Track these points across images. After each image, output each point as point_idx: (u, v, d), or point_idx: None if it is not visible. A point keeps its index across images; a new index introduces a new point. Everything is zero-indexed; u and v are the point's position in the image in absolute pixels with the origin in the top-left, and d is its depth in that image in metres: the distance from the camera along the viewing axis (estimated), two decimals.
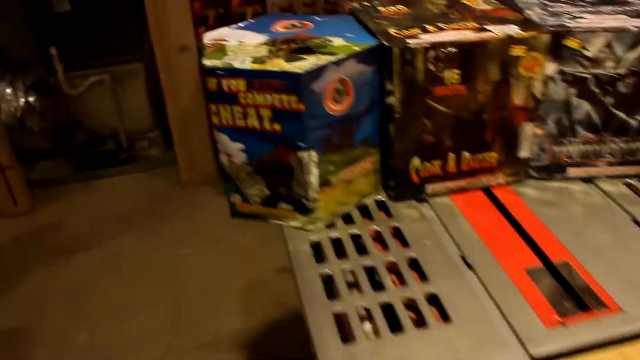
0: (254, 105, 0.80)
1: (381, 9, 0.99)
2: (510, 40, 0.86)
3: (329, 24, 0.93)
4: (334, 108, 0.81)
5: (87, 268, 2.29)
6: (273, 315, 2.09)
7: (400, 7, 1.00)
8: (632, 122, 0.96)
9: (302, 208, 0.87)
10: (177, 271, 2.27)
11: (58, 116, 2.83)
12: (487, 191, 0.99)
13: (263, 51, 0.83)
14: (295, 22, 0.94)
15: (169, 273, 2.26)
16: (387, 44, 0.83)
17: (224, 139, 0.84)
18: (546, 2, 1.01)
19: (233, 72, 0.78)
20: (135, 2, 2.61)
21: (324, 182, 0.86)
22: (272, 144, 0.82)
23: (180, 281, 2.21)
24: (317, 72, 0.77)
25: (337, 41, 0.84)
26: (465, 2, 1.03)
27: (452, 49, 0.84)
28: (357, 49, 0.82)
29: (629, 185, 1.01)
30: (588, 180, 1.02)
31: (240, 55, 0.81)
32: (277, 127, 0.80)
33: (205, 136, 2.70)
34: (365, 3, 1.03)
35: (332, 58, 0.79)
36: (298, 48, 0.83)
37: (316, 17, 0.96)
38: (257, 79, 0.78)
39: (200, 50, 2.65)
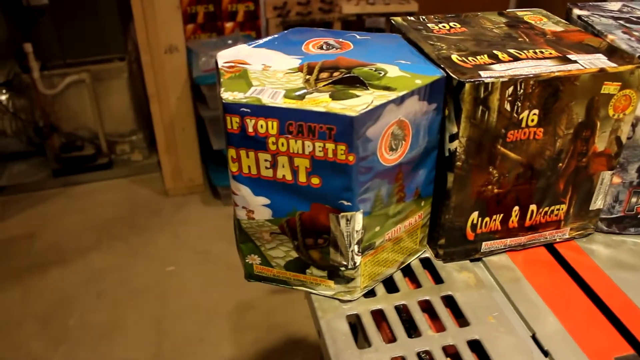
0: (288, 153, 0.62)
1: (432, 26, 0.83)
2: (604, 75, 0.70)
3: (374, 45, 0.76)
4: (389, 158, 0.64)
5: (62, 286, 2.11)
6: (265, 342, 1.93)
7: (455, 24, 0.83)
8: None
9: (338, 276, 0.70)
10: (160, 290, 2.09)
11: (33, 117, 2.63)
12: (550, 247, 0.83)
13: (297, 81, 0.65)
14: (330, 41, 0.77)
15: (151, 292, 2.08)
16: (455, 76, 0.66)
17: (244, 191, 0.67)
18: (627, 25, 0.85)
19: (262, 111, 0.61)
20: None
21: (368, 246, 0.69)
22: (306, 201, 0.65)
23: (163, 302, 2.03)
24: (374, 115, 0.60)
25: (392, 70, 0.67)
26: (528, 20, 0.86)
27: (535, 85, 0.67)
28: (419, 82, 0.65)
29: None
30: None
31: (269, 86, 0.64)
32: (315, 181, 0.63)
33: (193, 143, 2.52)
34: (412, 18, 0.86)
35: (391, 95, 0.62)
36: (343, 78, 0.65)
37: (356, 35, 0.79)
38: (294, 120, 0.60)
39: (190, 51, 2.48)
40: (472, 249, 0.78)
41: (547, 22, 0.85)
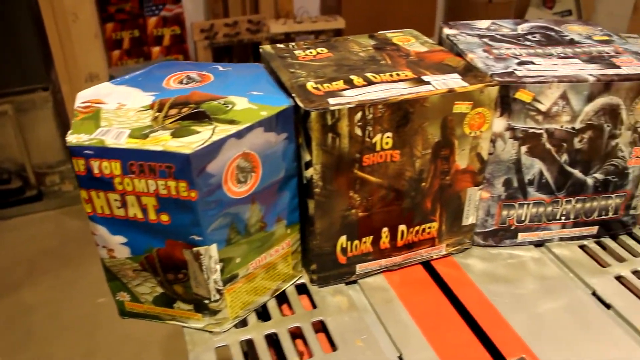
0: (134, 192, 0.62)
1: (298, 52, 0.83)
2: (454, 95, 0.71)
3: (233, 77, 0.76)
4: (237, 190, 0.65)
5: None
6: None
7: (322, 49, 0.84)
8: (589, 180, 0.83)
9: (205, 308, 0.70)
10: (92, 323, 2.05)
11: None
12: (427, 265, 0.84)
13: (147, 119, 0.65)
14: (192, 74, 0.77)
15: (83, 326, 2.04)
16: (302, 105, 0.67)
17: (101, 231, 0.67)
18: (489, 43, 0.87)
19: (104, 152, 0.61)
20: (39, 26, 2.38)
21: (230, 278, 0.69)
22: (161, 237, 0.65)
23: (95, 335, 2.00)
24: (212, 150, 0.60)
25: (241, 102, 0.68)
26: (396, 42, 0.88)
27: (384, 109, 0.68)
28: (264, 114, 0.65)
29: (583, 247, 0.89)
30: (540, 244, 0.88)
31: (116, 126, 0.64)
32: (164, 218, 0.63)
33: None
34: (281, 46, 0.87)
35: (232, 129, 0.62)
36: (190, 114, 0.65)
37: (219, 67, 0.79)
38: (135, 160, 0.60)
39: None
40: (346, 272, 0.79)
41: (414, 43, 0.87)
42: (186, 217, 0.62)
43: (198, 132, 0.61)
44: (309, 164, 0.69)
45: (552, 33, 0.92)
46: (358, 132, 0.68)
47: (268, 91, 0.71)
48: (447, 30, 0.92)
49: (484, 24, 0.96)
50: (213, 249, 0.65)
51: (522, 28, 0.95)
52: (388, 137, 0.70)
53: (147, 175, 0.60)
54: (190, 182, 0.60)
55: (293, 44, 0.87)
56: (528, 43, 0.88)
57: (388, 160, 0.72)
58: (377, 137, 0.70)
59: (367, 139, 0.69)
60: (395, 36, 0.90)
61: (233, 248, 0.68)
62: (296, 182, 0.72)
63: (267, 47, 0.85)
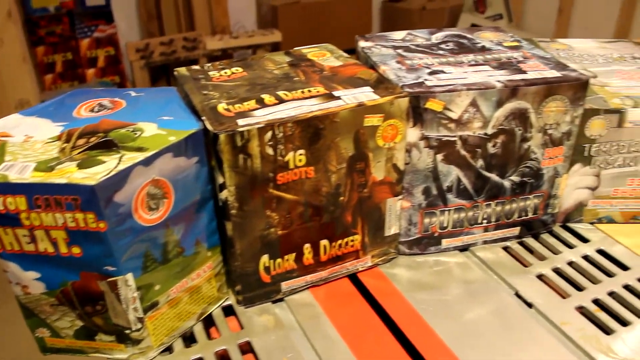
0: (43, 227, 0.61)
1: (213, 73, 0.83)
2: (364, 109, 0.72)
3: (145, 102, 0.75)
4: (149, 218, 0.64)
5: None
6: None
7: (237, 69, 0.84)
8: (506, 183, 0.84)
9: (127, 339, 0.69)
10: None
11: None
12: (354, 277, 0.85)
13: (54, 151, 0.64)
14: (105, 101, 0.76)
15: None
16: (211, 128, 0.67)
17: (13, 267, 0.65)
18: (403, 53, 0.88)
19: (8, 188, 0.60)
20: None
21: (150, 306, 0.69)
22: (75, 270, 0.64)
23: None
24: (118, 180, 0.59)
25: (150, 128, 0.67)
26: (312, 57, 0.88)
27: (294, 127, 0.69)
28: (173, 139, 0.65)
29: (506, 249, 0.90)
30: (465, 248, 0.90)
31: (21, 160, 0.63)
32: (76, 250, 0.62)
33: None
34: (196, 67, 0.86)
35: (139, 156, 0.61)
36: (98, 143, 0.65)
37: (131, 92, 0.78)
38: (40, 194, 0.59)
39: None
40: (272, 291, 0.79)
41: (329, 58, 0.88)
42: (98, 248, 0.61)
43: (104, 162, 0.61)
44: (222, 186, 0.69)
45: (465, 41, 0.94)
46: (269, 151, 0.68)
47: (178, 115, 0.71)
48: (362, 43, 0.93)
49: (399, 34, 0.97)
50: (129, 278, 0.64)
51: (437, 37, 0.96)
52: (301, 154, 0.70)
53: (54, 208, 0.59)
54: (97, 213, 0.59)
55: (209, 64, 0.87)
56: (441, 52, 0.89)
57: (303, 177, 0.72)
58: (290, 155, 0.70)
59: (280, 158, 0.69)
60: (311, 51, 0.90)
61: (151, 275, 0.67)
62: (212, 204, 0.72)
63: (181, 70, 0.85)
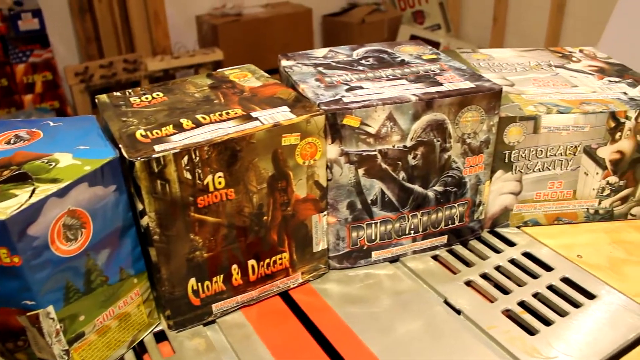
0: None
1: (134, 99, 0.83)
2: (280, 129, 0.73)
3: (62, 132, 0.75)
4: (68, 249, 0.64)
5: None
6: None
7: (158, 94, 0.84)
8: (430, 193, 0.86)
9: None
10: None
11: None
12: (286, 295, 0.85)
13: None
14: (22, 132, 0.75)
15: None
16: (126, 155, 0.67)
17: None
18: (323, 71, 0.90)
19: None
20: None
21: (76, 337, 0.68)
22: None
23: None
24: (31, 213, 0.59)
25: (65, 159, 0.67)
26: (233, 78, 0.89)
27: (210, 150, 0.69)
28: (88, 168, 0.65)
29: (436, 257, 0.92)
30: (395, 259, 0.91)
31: None
32: None
33: None
34: (117, 94, 0.86)
35: (53, 188, 0.61)
36: (11, 177, 0.64)
37: (50, 122, 0.78)
38: None
39: None
40: (203, 314, 0.79)
41: (250, 79, 0.88)
42: (14, 283, 0.61)
43: (16, 196, 0.60)
44: (143, 213, 0.69)
45: (385, 56, 0.96)
46: (188, 175, 0.69)
47: (95, 144, 0.70)
48: (283, 62, 0.94)
49: (321, 52, 0.99)
50: (50, 311, 0.64)
51: (358, 53, 0.98)
52: (220, 176, 0.71)
53: None
54: (11, 247, 0.58)
55: (130, 90, 0.87)
56: (361, 68, 0.91)
57: (224, 199, 0.73)
58: (209, 178, 0.70)
59: (199, 182, 0.70)
60: (233, 73, 0.91)
61: (74, 306, 0.67)
62: (135, 231, 0.72)
63: (102, 97, 0.85)
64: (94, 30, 3.21)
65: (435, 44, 3.94)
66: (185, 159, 0.68)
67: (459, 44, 3.86)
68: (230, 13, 3.64)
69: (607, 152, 0.93)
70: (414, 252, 0.92)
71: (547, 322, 0.80)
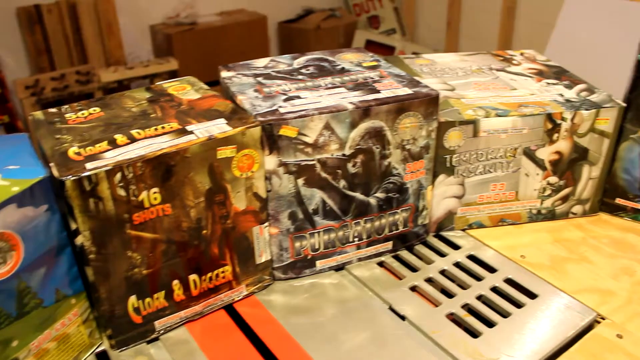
0: None
1: (69, 115, 0.82)
2: (215, 142, 0.72)
3: None
4: None
5: None
6: None
7: (95, 109, 0.83)
8: (371, 200, 0.87)
9: None
10: None
11: None
12: (231, 308, 0.85)
13: None
14: None
15: None
16: (57, 174, 0.66)
17: None
18: (262, 81, 0.89)
19: None
20: None
21: None
22: None
23: None
24: None
25: None
26: (172, 91, 0.88)
27: (143, 166, 0.68)
28: (16, 189, 0.63)
29: (381, 264, 0.93)
30: (341, 268, 0.91)
31: None
32: None
33: None
34: (53, 110, 0.85)
35: None
36: None
37: None
38: None
39: None
40: (145, 331, 0.78)
41: (189, 91, 0.88)
42: None
43: None
44: (76, 232, 0.68)
45: (326, 64, 0.97)
46: (121, 192, 0.68)
47: (26, 163, 0.69)
48: (223, 73, 0.94)
49: (262, 62, 0.99)
50: None
51: (298, 62, 0.98)
52: (155, 192, 0.70)
53: None
54: None
55: (66, 106, 0.85)
56: (300, 77, 0.91)
57: (161, 215, 0.72)
58: (144, 195, 0.70)
59: (133, 198, 0.69)
60: (172, 86, 0.90)
61: (6, 331, 0.65)
62: (70, 250, 0.71)
63: (37, 114, 0.83)
64: (44, 41, 3.16)
65: (391, 48, 3.96)
66: (118, 175, 0.67)
67: (414, 47, 3.89)
68: (185, 22, 3.61)
69: (546, 153, 0.94)
70: (359, 260, 0.92)
71: (490, 324, 0.81)
